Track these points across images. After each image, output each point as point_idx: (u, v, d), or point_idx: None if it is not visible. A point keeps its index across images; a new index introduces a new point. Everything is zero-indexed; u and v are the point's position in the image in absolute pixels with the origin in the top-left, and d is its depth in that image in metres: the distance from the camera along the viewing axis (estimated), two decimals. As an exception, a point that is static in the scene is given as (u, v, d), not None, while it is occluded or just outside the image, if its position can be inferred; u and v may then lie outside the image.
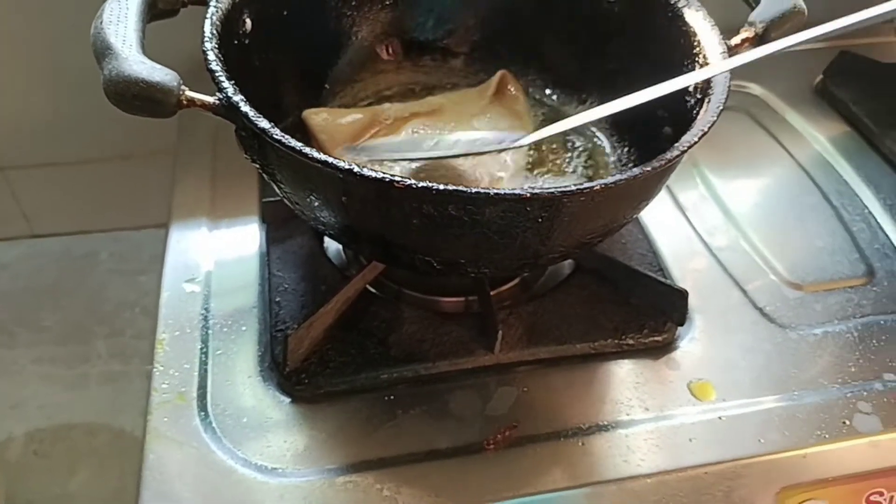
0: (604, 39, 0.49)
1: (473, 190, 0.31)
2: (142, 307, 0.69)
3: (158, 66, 0.34)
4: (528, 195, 0.31)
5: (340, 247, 0.49)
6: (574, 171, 0.50)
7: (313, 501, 0.36)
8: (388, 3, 0.51)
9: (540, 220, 0.33)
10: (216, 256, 0.48)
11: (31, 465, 0.59)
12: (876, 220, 0.54)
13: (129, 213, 0.74)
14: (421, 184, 0.31)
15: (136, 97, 0.33)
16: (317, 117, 0.47)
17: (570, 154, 0.50)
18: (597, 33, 0.49)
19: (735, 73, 0.40)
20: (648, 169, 0.33)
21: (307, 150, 0.32)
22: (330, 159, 0.32)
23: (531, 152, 0.49)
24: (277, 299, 0.44)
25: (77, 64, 0.63)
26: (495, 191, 0.31)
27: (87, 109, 0.66)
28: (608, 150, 0.50)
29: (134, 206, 0.74)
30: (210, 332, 0.43)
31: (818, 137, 0.62)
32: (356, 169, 0.31)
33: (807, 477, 0.40)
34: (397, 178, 0.31)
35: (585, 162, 0.50)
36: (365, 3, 0.51)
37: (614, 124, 0.50)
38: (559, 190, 0.32)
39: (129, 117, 0.67)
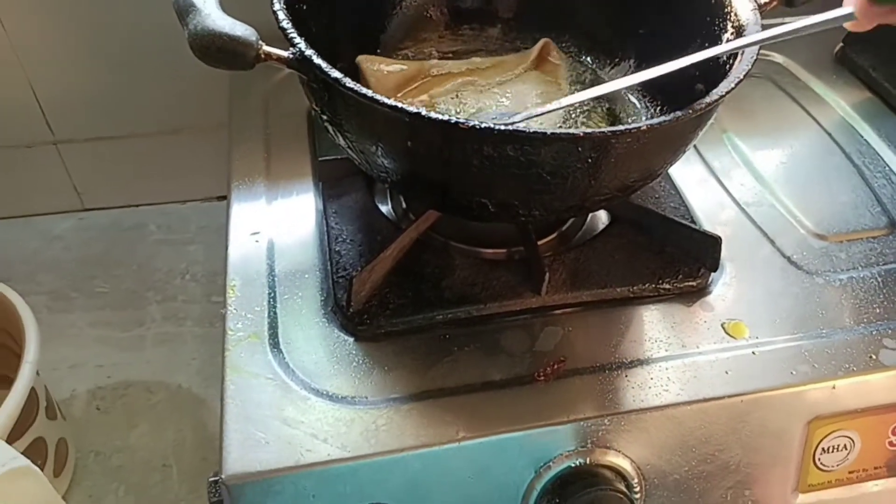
0: (637, 4, 0.51)
1: (531, 130, 0.34)
2: (191, 274, 0.72)
3: (238, 22, 0.37)
4: (581, 135, 0.34)
5: (391, 203, 0.53)
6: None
7: (381, 425, 0.39)
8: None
9: (589, 160, 0.36)
10: (276, 212, 0.51)
11: (93, 419, 0.62)
12: (897, 176, 0.57)
13: (176, 187, 0.78)
14: (483, 125, 0.34)
15: (219, 50, 0.36)
16: (369, 64, 0.51)
17: (602, 113, 0.53)
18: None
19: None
20: (690, 112, 0.36)
21: (378, 96, 0.35)
22: (399, 104, 0.35)
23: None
24: (337, 249, 0.47)
25: (130, 41, 0.67)
26: (552, 131, 0.34)
27: (138, 85, 0.70)
28: (640, 109, 0.53)
29: (181, 179, 0.77)
30: (276, 279, 0.47)
31: (840, 102, 0.65)
32: (423, 112, 0.35)
33: (836, 408, 0.43)
34: (462, 120, 0.34)
35: (616, 121, 0.53)
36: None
37: (646, 84, 0.53)
38: (609, 130, 0.35)
39: (178, 93, 0.71)
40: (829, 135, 0.61)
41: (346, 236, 0.48)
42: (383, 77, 0.50)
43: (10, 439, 0.46)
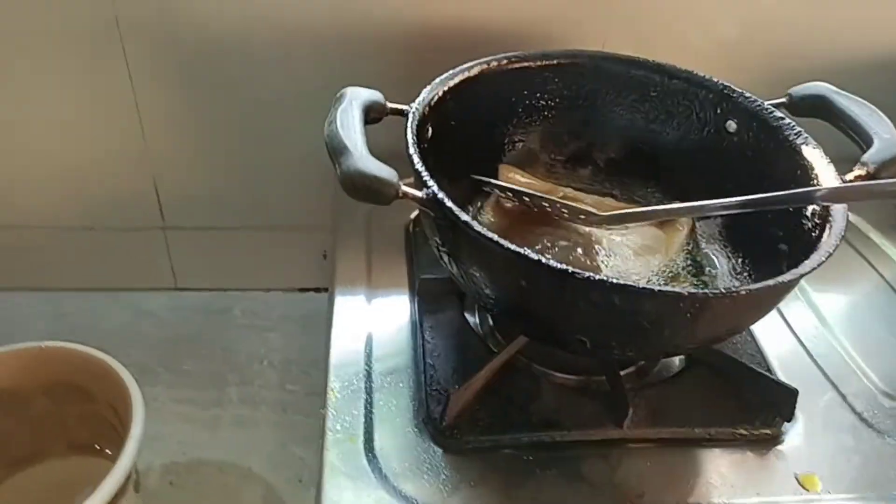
0: (724, 164, 0.56)
1: (641, 286, 0.38)
2: (269, 361, 0.76)
3: (384, 164, 0.42)
4: (686, 294, 0.38)
5: (478, 318, 0.56)
6: (685, 279, 0.56)
7: (469, 542, 0.42)
8: (534, 121, 0.60)
9: (689, 315, 0.39)
10: (374, 321, 0.55)
11: (166, 494, 0.65)
12: (964, 343, 0.59)
13: (263, 276, 0.83)
14: (597, 277, 0.38)
15: (367, 189, 0.41)
16: (506, 171, 0.59)
17: (685, 261, 0.57)
18: (718, 159, 0.56)
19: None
20: (786, 280, 0.39)
21: (503, 241, 0.40)
22: (521, 251, 0.39)
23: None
24: (431, 363, 0.51)
25: (249, 145, 0.74)
26: (659, 288, 0.38)
27: (248, 185, 0.76)
28: (722, 260, 0.57)
29: (268, 270, 0.83)
30: (373, 385, 0.50)
31: (904, 261, 0.68)
32: (543, 260, 0.39)
33: (909, 575, 0.44)
34: (578, 271, 0.38)
35: (697, 269, 0.57)
36: (513, 119, 0.60)
37: (729, 238, 0.57)
38: (711, 292, 0.39)
39: (282, 195, 0.78)
40: (896, 292, 0.64)
41: (440, 351, 0.52)
42: (514, 184, 0.57)
43: (105, 510, 0.49)
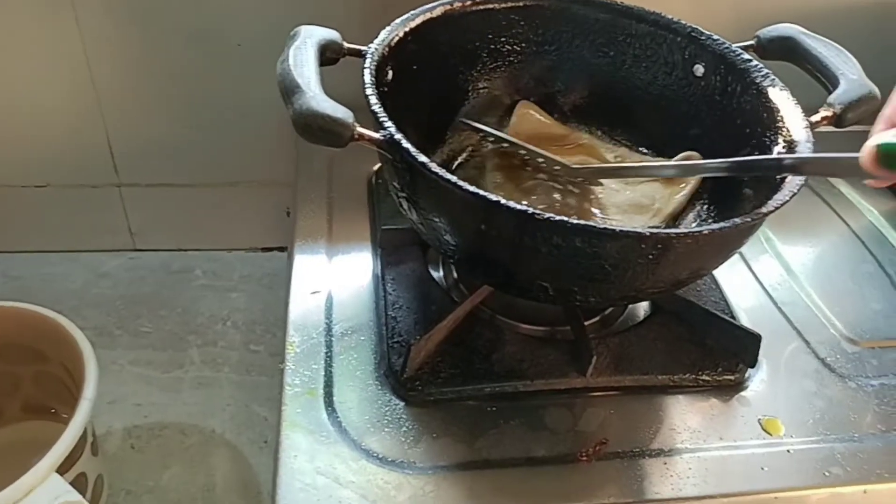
0: (691, 109, 0.55)
1: (601, 226, 0.37)
2: (232, 321, 0.75)
3: (339, 104, 0.40)
4: (648, 234, 0.37)
5: (442, 272, 0.55)
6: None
7: (429, 492, 0.41)
8: (499, 66, 0.58)
9: (651, 256, 0.39)
10: (335, 275, 0.54)
11: (127, 457, 0.63)
12: (928, 289, 0.59)
13: (224, 235, 0.81)
14: (557, 217, 0.37)
15: (320, 129, 0.39)
16: (524, 108, 0.58)
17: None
18: (685, 104, 0.55)
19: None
20: (748, 219, 0.39)
21: (461, 182, 0.38)
22: (480, 192, 0.38)
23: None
24: (393, 315, 0.50)
25: (205, 97, 0.71)
26: (620, 228, 0.37)
27: (206, 139, 0.73)
28: (687, 206, 0.56)
29: (229, 229, 0.80)
30: (333, 339, 0.49)
31: (872, 210, 0.68)
32: (502, 201, 0.37)
33: (867, 512, 0.44)
34: (538, 211, 0.37)
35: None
36: (477, 65, 0.58)
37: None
38: (673, 232, 0.38)
39: (241, 150, 0.75)
40: (862, 242, 0.64)
41: (402, 303, 0.51)
42: (526, 122, 0.57)
43: (58, 472, 0.48)
